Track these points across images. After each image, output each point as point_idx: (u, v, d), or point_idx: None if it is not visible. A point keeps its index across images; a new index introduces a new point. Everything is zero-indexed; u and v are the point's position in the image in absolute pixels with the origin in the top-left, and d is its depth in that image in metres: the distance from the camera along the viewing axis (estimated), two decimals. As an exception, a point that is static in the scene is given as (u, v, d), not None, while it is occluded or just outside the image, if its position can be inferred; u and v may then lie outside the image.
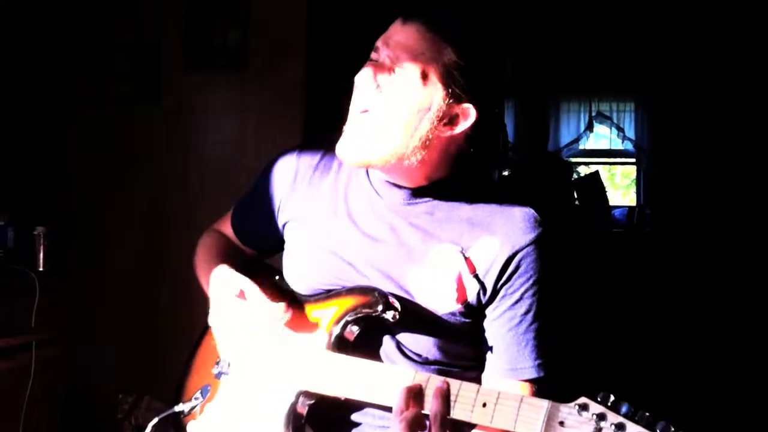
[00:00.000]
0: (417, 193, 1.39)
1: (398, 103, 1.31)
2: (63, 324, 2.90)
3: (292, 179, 1.51)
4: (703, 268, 5.46)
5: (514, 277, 1.33)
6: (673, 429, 0.97)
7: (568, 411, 1.04)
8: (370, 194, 1.43)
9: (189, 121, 3.30)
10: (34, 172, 3.26)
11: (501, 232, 1.34)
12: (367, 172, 1.45)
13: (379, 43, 1.34)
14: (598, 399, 1.02)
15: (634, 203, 7.09)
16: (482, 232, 1.35)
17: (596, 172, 6.61)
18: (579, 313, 4.31)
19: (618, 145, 7.11)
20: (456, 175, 1.41)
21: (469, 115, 1.34)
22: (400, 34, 1.32)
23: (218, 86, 3.28)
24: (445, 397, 1.16)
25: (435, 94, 1.31)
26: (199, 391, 1.47)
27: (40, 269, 2.83)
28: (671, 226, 6.14)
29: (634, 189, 7.27)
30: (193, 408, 1.45)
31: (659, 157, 6.68)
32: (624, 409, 1.00)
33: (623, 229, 6.46)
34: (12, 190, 3.14)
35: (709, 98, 6.04)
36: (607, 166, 7.54)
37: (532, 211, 1.37)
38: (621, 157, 7.26)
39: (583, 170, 7.14)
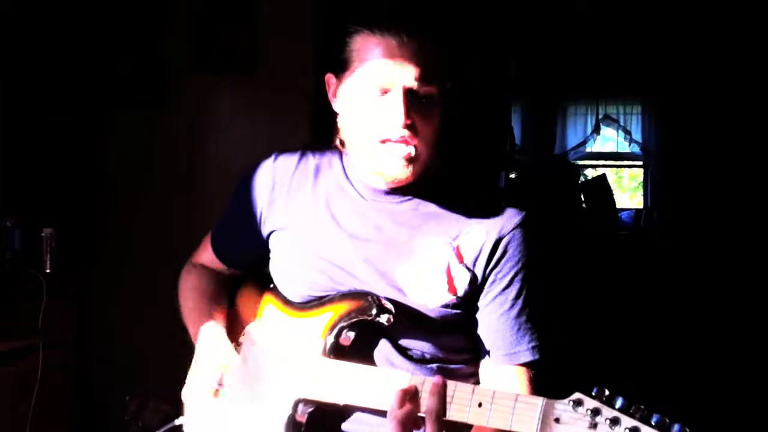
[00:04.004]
0: (399, 189, 1.40)
1: (434, 125, 1.34)
2: (70, 326, 2.89)
3: (270, 189, 1.50)
4: (710, 270, 5.45)
5: (503, 261, 1.35)
6: (668, 421, 0.97)
7: (563, 407, 1.04)
8: (352, 195, 1.43)
9: (197, 124, 3.29)
10: (41, 174, 3.26)
11: (486, 220, 1.36)
12: (344, 169, 1.46)
13: (385, 70, 1.30)
14: (593, 394, 1.02)
15: (641, 206, 7.10)
16: (467, 222, 1.37)
17: (603, 175, 6.61)
18: (584, 315, 4.31)
19: (625, 147, 7.11)
20: (438, 170, 1.43)
21: (457, 102, 1.42)
22: (404, 51, 1.29)
23: (226, 89, 3.28)
24: (441, 394, 1.16)
25: (444, 97, 1.34)
26: None
27: (48, 271, 2.82)
28: (678, 228, 6.13)
29: (641, 192, 7.27)
30: None
31: (666, 159, 6.68)
32: (619, 404, 1.01)
33: (630, 231, 6.46)
34: (19, 192, 3.14)
35: (716, 100, 6.03)
36: (614, 169, 7.53)
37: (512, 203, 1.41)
38: (628, 159, 7.26)
39: (590, 173, 7.14)
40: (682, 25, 5.98)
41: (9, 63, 3.18)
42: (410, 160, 1.32)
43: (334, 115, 1.44)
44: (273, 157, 1.53)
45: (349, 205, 1.43)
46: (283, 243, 1.48)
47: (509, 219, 1.36)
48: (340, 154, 1.48)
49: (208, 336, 1.45)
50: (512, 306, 1.36)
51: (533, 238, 1.38)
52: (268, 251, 1.52)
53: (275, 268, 1.50)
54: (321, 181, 1.47)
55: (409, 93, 1.29)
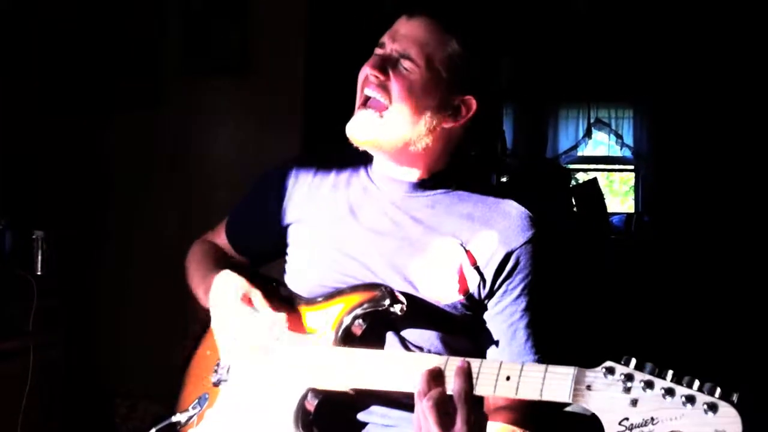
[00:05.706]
0: (418, 186, 1.44)
1: (406, 91, 1.37)
2: (61, 327, 2.89)
3: (292, 184, 1.55)
4: (702, 274, 5.45)
5: (515, 273, 1.38)
6: (698, 382, 0.99)
7: (594, 375, 1.05)
8: (371, 190, 1.48)
9: (189, 124, 3.29)
10: (33, 175, 3.25)
11: (499, 228, 1.39)
12: (366, 169, 1.50)
13: (385, 39, 1.41)
14: (622, 362, 1.04)
15: (632, 210, 7.10)
16: (481, 227, 1.40)
17: (594, 179, 6.60)
18: (578, 319, 4.30)
19: (616, 151, 7.13)
20: (455, 171, 1.47)
21: (470, 106, 1.42)
22: (406, 27, 1.39)
23: (219, 88, 3.27)
24: (467, 374, 1.15)
25: (439, 84, 1.38)
26: (197, 400, 1.47)
27: (39, 273, 2.82)
28: (670, 233, 6.14)
29: (632, 196, 7.28)
30: (190, 418, 1.45)
31: (658, 163, 6.69)
32: (649, 368, 1.02)
33: (622, 236, 6.46)
34: (10, 194, 3.13)
35: (707, 105, 6.05)
36: (606, 173, 7.55)
37: (527, 210, 1.43)
38: (619, 163, 7.27)
39: (582, 177, 7.14)
40: (673, 29, 6.01)
41: (4, 64, 3.17)
42: (377, 115, 1.37)
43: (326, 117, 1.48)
44: (297, 156, 1.61)
45: (367, 199, 1.47)
46: (299, 235, 1.52)
47: (522, 231, 1.39)
48: (364, 155, 1.50)
49: (224, 278, 1.46)
50: (521, 317, 1.39)
51: (546, 251, 1.41)
52: (281, 244, 1.55)
53: (289, 261, 1.53)
54: (342, 177, 1.52)
55: (392, 58, 1.37)
